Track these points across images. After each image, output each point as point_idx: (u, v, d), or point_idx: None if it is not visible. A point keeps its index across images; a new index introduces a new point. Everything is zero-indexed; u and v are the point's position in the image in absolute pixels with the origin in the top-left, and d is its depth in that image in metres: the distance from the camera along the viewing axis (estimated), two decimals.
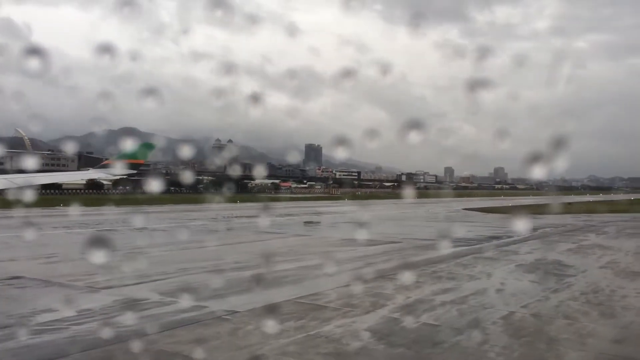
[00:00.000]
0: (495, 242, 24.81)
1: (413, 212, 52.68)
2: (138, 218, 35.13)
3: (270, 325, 9.94)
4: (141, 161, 21.39)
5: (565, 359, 8.46)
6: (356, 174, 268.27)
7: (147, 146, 21.50)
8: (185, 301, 11.87)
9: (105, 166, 22.46)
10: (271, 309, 11.17)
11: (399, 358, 8.31)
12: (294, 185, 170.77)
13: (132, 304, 11.54)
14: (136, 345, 8.62)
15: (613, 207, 65.61)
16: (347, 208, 55.84)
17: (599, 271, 16.96)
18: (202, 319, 10.37)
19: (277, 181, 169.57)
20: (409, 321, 10.41)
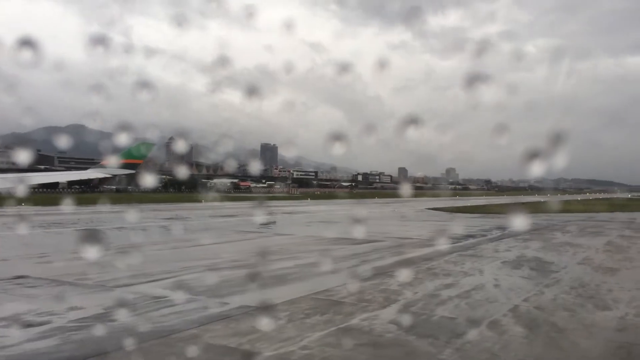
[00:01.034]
0: (472, 240, 25.87)
1: (380, 212, 53.73)
2: (109, 217, 34.80)
3: (299, 320, 10.47)
4: (140, 161, 21.48)
5: (582, 347, 9.31)
6: (313, 173, 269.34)
7: (146, 145, 21.58)
8: (204, 298, 12.23)
9: (104, 166, 22.46)
10: (292, 305, 11.66)
11: (433, 347, 8.94)
12: (253, 184, 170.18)
13: (153, 302, 11.80)
14: (183, 339, 9.01)
15: (567, 207, 68.42)
16: (314, 208, 56.52)
17: (579, 267, 18.09)
18: (230, 314, 10.76)
19: (235, 180, 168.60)
20: (426, 315, 11.09)
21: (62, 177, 29.28)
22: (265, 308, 11.29)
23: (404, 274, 15.69)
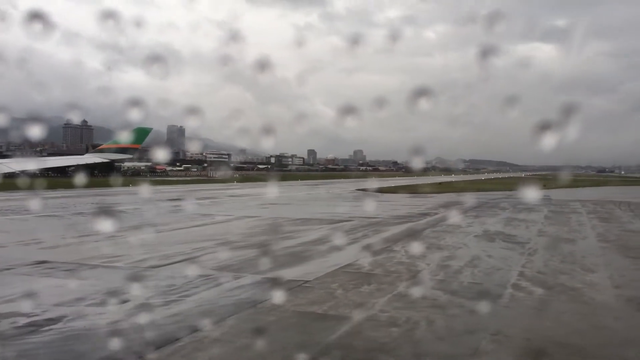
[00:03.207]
0: (430, 218, 27.92)
1: (317, 193, 55.31)
2: (62, 203, 33.91)
3: (354, 289, 11.67)
4: (137, 145, 21.57)
5: (601, 301, 11.22)
6: (226, 156, 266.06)
7: (143, 131, 21.68)
8: (248, 275, 13.02)
9: (101, 150, 22.31)
10: (334, 277, 12.81)
11: (486, 306, 10.46)
12: (169, 168, 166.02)
13: (205, 280, 12.50)
14: (272, 308, 9.96)
15: (479, 186, 73.37)
16: (252, 191, 57.00)
17: (542, 239, 20.47)
18: (289, 287, 11.70)
19: (149, 164, 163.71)
20: (456, 282, 12.65)
21: (58, 161, 28.41)
22: (311, 281, 12.34)
23: (402, 249, 17.19)
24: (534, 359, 7.77)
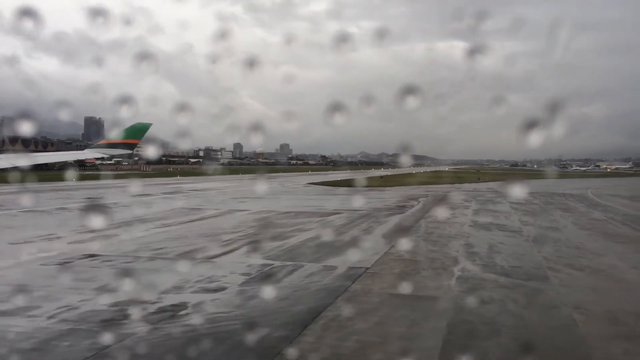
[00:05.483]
0: (411, 210, 29.41)
1: (275, 187, 55.83)
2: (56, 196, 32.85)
3: (416, 274, 12.76)
4: (136, 141, 21.64)
5: (632, 279, 12.87)
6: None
7: (142, 127, 21.73)
8: (306, 264, 13.81)
9: (100, 146, 22.16)
10: (386, 265, 13.80)
11: (542, 285, 11.82)
12: (99, 161, 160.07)
13: (269, 268, 13.17)
14: (362, 292, 10.85)
15: (421, 180, 76.27)
16: (207, 185, 56.90)
17: (530, 228, 22.29)
18: (356, 274, 12.57)
19: None
20: (497, 265, 13.96)
21: (57, 157, 27.44)
22: (371, 268, 13.25)
23: (419, 238, 18.42)
24: (630, 324, 9.11)
